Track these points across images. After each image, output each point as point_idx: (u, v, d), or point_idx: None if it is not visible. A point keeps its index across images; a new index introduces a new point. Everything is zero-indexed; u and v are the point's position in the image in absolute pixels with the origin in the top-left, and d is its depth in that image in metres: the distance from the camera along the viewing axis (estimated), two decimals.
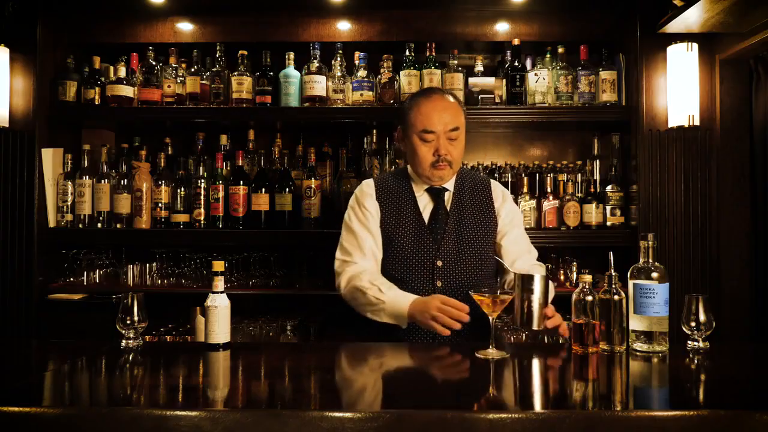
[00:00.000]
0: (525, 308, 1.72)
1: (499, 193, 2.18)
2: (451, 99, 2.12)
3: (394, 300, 1.94)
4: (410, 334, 1.99)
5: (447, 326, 1.79)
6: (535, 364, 1.68)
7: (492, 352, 1.65)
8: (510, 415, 1.20)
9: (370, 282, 1.99)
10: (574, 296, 1.72)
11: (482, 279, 2.06)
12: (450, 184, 2.14)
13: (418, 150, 2.06)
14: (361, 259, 2.07)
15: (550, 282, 2.00)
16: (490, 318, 1.68)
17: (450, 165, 2.06)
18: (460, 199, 2.13)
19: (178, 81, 2.92)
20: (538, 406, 1.36)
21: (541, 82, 2.85)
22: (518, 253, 2.11)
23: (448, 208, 2.11)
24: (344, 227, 2.15)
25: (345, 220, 2.16)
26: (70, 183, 2.89)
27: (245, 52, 2.90)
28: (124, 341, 1.72)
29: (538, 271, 2.03)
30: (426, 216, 2.10)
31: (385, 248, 2.09)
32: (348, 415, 1.20)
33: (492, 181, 2.23)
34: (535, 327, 1.72)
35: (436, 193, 2.12)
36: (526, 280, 1.72)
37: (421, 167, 2.07)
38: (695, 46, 2.67)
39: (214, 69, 2.92)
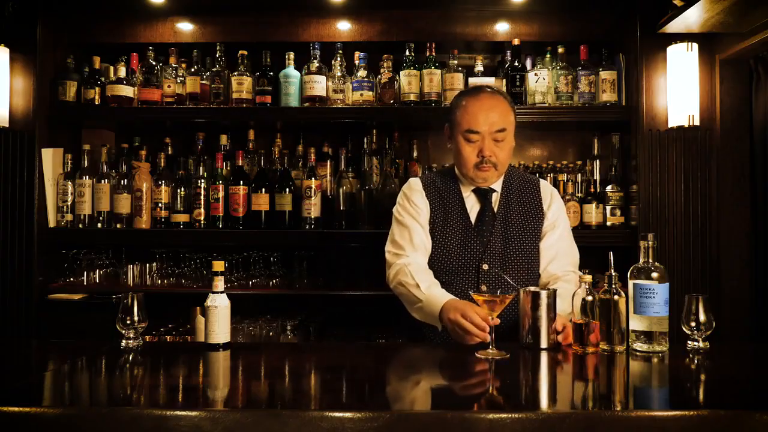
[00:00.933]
0: (531, 327, 1.71)
1: (548, 193, 2.11)
2: (501, 98, 2.04)
3: (430, 299, 1.86)
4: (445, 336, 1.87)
5: (465, 337, 1.74)
6: (535, 364, 1.67)
7: (492, 352, 1.65)
8: (510, 415, 1.20)
9: (411, 277, 1.92)
10: (574, 296, 1.72)
11: (528, 283, 1.97)
12: (497, 185, 2.08)
13: (462, 150, 2.01)
14: (411, 252, 2.00)
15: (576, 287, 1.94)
16: (490, 318, 1.68)
17: (495, 167, 1.99)
18: (508, 201, 2.06)
19: (178, 81, 2.92)
20: (537, 406, 1.36)
21: (541, 82, 2.85)
22: (552, 257, 2.03)
23: (495, 209, 2.05)
24: (394, 222, 2.10)
25: (395, 215, 2.11)
26: (70, 183, 2.88)
27: (245, 52, 2.90)
28: (124, 341, 1.72)
29: (569, 280, 1.97)
30: (473, 217, 2.04)
31: (431, 249, 2.03)
32: (348, 415, 1.20)
33: (542, 181, 2.15)
34: (543, 346, 1.71)
35: (483, 194, 2.06)
36: (533, 297, 1.71)
37: (465, 168, 2.02)
38: (695, 46, 2.66)
39: (214, 69, 2.92)
